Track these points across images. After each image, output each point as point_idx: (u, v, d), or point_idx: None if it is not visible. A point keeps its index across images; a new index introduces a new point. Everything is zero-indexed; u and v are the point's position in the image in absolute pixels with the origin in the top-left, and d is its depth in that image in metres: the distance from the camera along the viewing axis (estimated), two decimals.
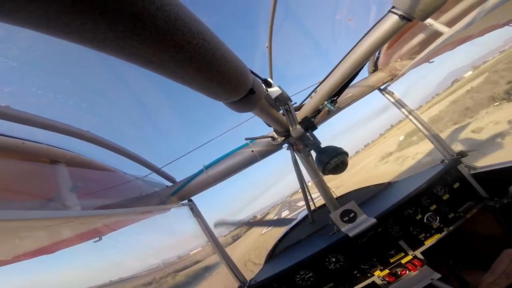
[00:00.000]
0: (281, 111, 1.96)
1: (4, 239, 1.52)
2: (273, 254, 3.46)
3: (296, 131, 2.05)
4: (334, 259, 2.46)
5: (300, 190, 3.40)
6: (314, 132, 2.22)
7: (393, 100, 3.01)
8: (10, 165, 1.62)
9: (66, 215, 1.52)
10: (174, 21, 0.56)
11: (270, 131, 2.82)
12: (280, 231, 3.95)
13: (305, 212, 3.71)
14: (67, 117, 1.82)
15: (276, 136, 2.75)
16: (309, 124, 2.16)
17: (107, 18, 0.46)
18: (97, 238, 2.23)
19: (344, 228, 2.50)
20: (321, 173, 2.57)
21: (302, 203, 4.77)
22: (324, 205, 3.48)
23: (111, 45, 0.53)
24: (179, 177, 3.07)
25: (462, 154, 2.63)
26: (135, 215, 2.40)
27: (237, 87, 0.97)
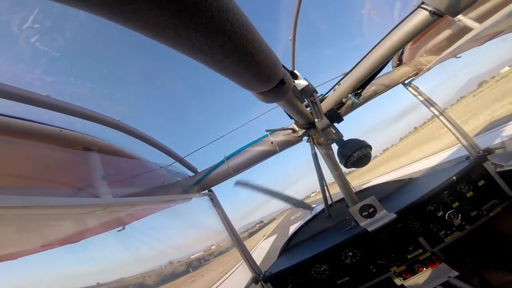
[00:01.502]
0: (305, 103, 1.96)
1: (35, 227, 1.58)
2: (287, 247, 3.49)
3: (322, 123, 2.05)
4: (351, 254, 2.45)
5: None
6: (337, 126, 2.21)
7: (418, 95, 2.95)
8: (48, 151, 1.71)
9: (98, 202, 1.60)
10: (226, 11, 0.58)
11: (290, 123, 2.83)
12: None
13: (321, 207, 3.71)
14: (98, 106, 1.89)
15: (297, 128, 2.76)
16: (335, 115, 2.16)
17: (171, 6, 0.48)
18: (121, 228, 2.30)
19: (363, 223, 2.50)
20: (341, 167, 2.56)
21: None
22: (340, 200, 3.46)
23: (170, 34, 0.56)
24: (200, 167, 3.13)
25: (488, 151, 2.55)
26: (159, 204, 2.48)
27: (269, 77, 0.99)
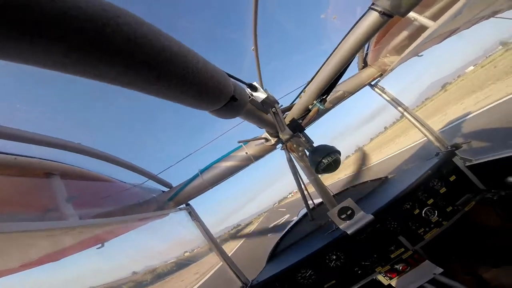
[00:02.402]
0: (269, 114, 1.97)
1: (9, 250, 1.54)
2: (275, 254, 3.46)
3: (285, 133, 2.07)
4: (334, 257, 2.46)
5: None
6: (308, 131, 2.22)
7: (385, 96, 3.00)
8: (4, 180, 1.65)
9: (65, 225, 1.54)
10: (134, 39, 0.57)
11: (263, 132, 2.83)
12: None
13: (305, 210, 3.72)
14: (57, 131, 1.84)
15: (269, 137, 2.77)
16: (296, 125, 2.17)
17: (61, 46, 0.48)
18: (100, 245, 2.27)
19: (342, 225, 2.51)
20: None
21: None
22: (322, 202, 3.48)
23: (73, 69, 0.55)
24: (175, 183, 3.09)
25: (456, 146, 2.62)
26: (133, 222, 2.43)
27: (216, 96, 0.98)
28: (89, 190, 2.30)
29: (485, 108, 12.59)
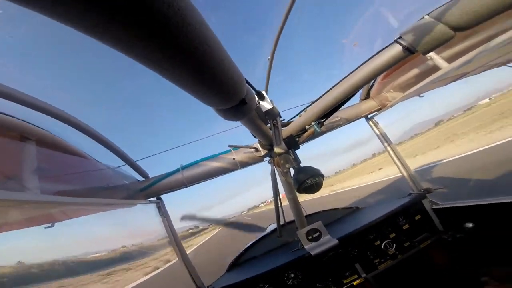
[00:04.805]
0: (268, 125, 1.95)
1: None
2: (237, 263, 3.43)
3: (279, 148, 2.07)
4: (293, 275, 2.51)
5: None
6: (297, 151, 2.24)
7: (376, 130, 3.13)
8: None
9: (21, 198, 1.38)
10: (187, 26, 0.54)
11: (254, 142, 2.81)
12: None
13: (274, 225, 3.73)
14: (45, 95, 1.69)
15: (260, 148, 2.76)
16: (293, 143, 2.21)
17: (120, 17, 0.44)
18: (49, 225, 2.06)
19: (308, 246, 2.58)
20: (295, 191, 2.60)
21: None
22: (292, 221, 3.53)
23: (121, 43, 0.52)
24: (152, 174, 2.95)
25: (429, 190, 2.82)
26: (97, 206, 2.26)
27: (230, 96, 0.96)
28: (60, 163, 2.11)
29: (458, 156, 13.76)
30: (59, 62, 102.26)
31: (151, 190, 2.77)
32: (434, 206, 2.70)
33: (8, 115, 1.56)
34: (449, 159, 14.94)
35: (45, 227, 2.04)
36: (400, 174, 3.09)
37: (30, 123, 1.71)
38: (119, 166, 2.62)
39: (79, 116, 2.00)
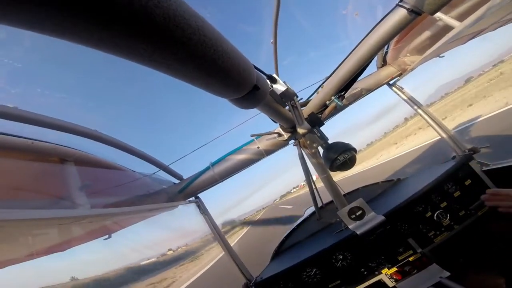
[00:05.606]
0: (287, 107, 1.93)
1: (17, 238, 1.54)
2: (280, 251, 3.44)
3: (303, 128, 2.03)
4: (341, 257, 2.42)
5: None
6: (322, 128, 2.19)
7: (402, 95, 2.93)
8: (20, 165, 1.65)
9: (76, 214, 1.53)
10: (174, 17, 0.55)
11: (276, 127, 2.79)
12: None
13: (312, 209, 3.69)
14: (75, 117, 1.83)
15: (283, 132, 2.72)
16: (316, 120, 2.13)
17: (102, 18, 0.45)
18: (107, 236, 2.27)
19: (352, 225, 2.47)
20: (328, 170, 2.54)
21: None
22: (331, 202, 3.44)
23: (108, 45, 0.53)
24: (186, 175, 3.08)
25: (474, 150, 2.55)
26: (142, 213, 2.42)
27: (240, 84, 0.97)
28: (101, 178, 2.30)
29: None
30: (75, 82, 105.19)
31: (188, 190, 2.89)
32: (484, 168, 2.45)
33: (46, 142, 1.72)
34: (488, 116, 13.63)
35: (104, 239, 2.24)
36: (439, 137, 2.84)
37: (65, 146, 1.88)
38: (154, 173, 2.78)
39: (105, 131, 2.15)
